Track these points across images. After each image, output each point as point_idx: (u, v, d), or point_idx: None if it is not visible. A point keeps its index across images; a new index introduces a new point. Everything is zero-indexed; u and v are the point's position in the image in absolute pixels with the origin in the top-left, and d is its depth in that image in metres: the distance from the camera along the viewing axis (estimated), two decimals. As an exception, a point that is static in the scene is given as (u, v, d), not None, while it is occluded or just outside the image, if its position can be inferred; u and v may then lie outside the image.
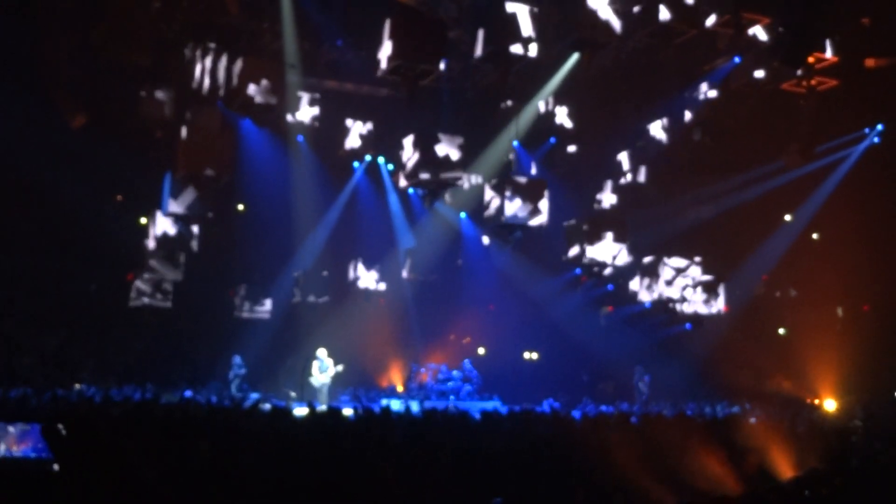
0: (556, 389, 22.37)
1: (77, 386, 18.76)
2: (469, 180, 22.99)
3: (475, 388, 21.72)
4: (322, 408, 12.21)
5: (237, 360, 21.09)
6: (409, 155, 19.54)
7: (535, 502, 6.46)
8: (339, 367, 19.97)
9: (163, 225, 20.13)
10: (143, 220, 20.96)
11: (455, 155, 18.78)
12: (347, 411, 10.99)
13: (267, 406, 13.04)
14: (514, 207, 18.99)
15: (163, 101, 19.08)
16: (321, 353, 20.17)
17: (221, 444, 6.69)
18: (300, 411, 12.21)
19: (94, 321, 21.48)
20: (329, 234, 23.95)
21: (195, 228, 20.07)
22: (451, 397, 21.16)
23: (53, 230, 20.73)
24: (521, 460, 7.31)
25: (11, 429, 7.84)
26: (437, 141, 18.27)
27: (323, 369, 20.00)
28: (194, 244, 20.35)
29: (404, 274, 24.29)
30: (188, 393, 18.50)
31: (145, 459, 5.07)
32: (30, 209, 20.37)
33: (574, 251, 21.63)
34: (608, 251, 21.42)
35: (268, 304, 23.27)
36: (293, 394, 20.69)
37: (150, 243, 20.51)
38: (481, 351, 25.24)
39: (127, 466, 5.00)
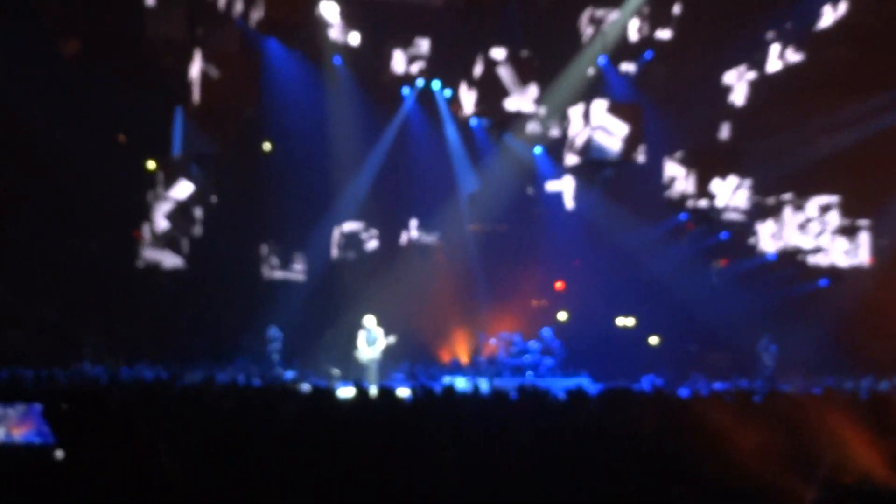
0: (657, 363, 22.51)
1: (81, 365, 19.35)
2: (545, 107, 23.08)
3: (557, 363, 21.97)
4: (371, 388, 12.56)
5: (274, 332, 21.68)
6: (472, 78, 19.80)
7: (632, 502, 6.45)
8: (391, 339, 20.14)
9: (174, 170, 20.75)
10: (151, 165, 21.45)
11: (528, 76, 18.83)
12: (402, 392, 11.32)
13: (305, 387, 13.42)
14: (602, 139, 18.91)
15: (172, 19, 19.46)
16: (368, 321, 20.22)
17: (251, 433, 6.84)
18: (344, 393, 12.65)
19: (97, 287, 21.99)
20: (374, 177, 24.35)
21: (213, 173, 20.77)
22: (528, 374, 21.39)
23: (44, 180, 21.02)
24: (616, 450, 7.32)
25: (11, 411, 8.26)
26: (505, 60, 18.22)
27: (371, 341, 20.15)
28: (213, 193, 21.04)
29: (467, 224, 24.81)
30: (209, 372, 18.99)
31: (162, 450, 5.28)
32: (15, 155, 20.60)
33: (678, 192, 22.03)
34: (722, 191, 21.62)
35: (302, 263, 23.90)
36: (336, 371, 21.20)
37: (161, 193, 21.10)
38: (564, 317, 25.54)
39: (141, 457, 5.28)
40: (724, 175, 21.66)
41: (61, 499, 4.81)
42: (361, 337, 20.19)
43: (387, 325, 20.47)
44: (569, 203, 24.60)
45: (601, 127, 19.61)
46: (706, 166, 21.47)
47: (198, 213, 21.45)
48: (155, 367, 19.49)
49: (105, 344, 21.54)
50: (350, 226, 23.97)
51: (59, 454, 5.59)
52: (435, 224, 24.70)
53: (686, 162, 21.87)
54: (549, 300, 25.86)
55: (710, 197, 21.76)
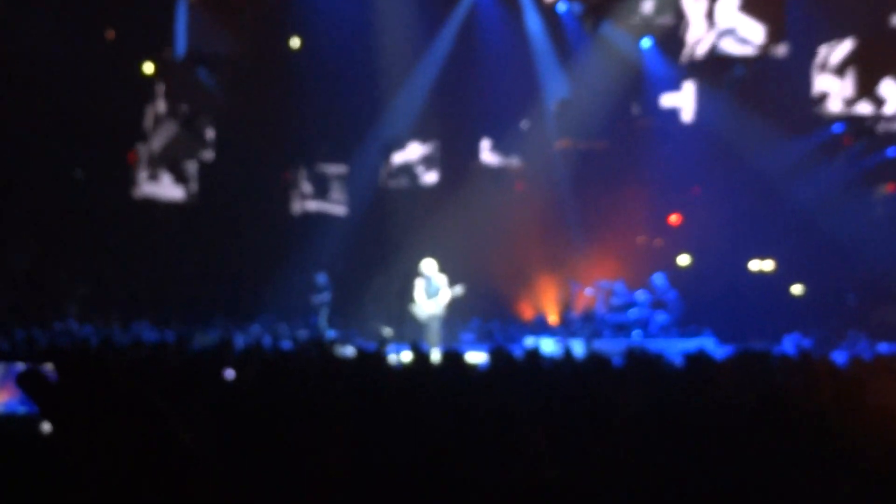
0: (804, 319, 22.49)
1: (65, 323, 19.81)
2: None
3: (673, 319, 22.03)
4: (433, 352, 12.96)
5: (322, 279, 22.24)
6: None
7: (773, 493, 6.34)
8: (458, 290, 20.20)
9: (177, 75, 21.18)
10: (148, 69, 21.93)
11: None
12: (472, 357, 11.57)
13: (347, 350, 13.72)
14: (733, 28, 19.26)
15: None
16: (428, 267, 20.40)
17: (280, 409, 6.94)
18: (399, 357, 12.88)
19: (83, 226, 22.39)
20: (434, 83, 24.58)
21: (227, 79, 21.24)
22: (636, 333, 21.57)
23: (15, 89, 21.24)
24: (751, 429, 7.25)
25: None
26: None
27: (432, 292, 20.34)
28: (226, 104, 21.55)
29: (554, 142, 24.91)
30: (225, 332, 19.36)
31: (172, 425, 5.44)
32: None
33: (832, 96, 21.79)
34: (892, 95, 21.45)
35: (342, 193, 24.66)
36: (387, 331, 21.73)
37: (160, 104, 21.56)
38: (682, 260, 25.81)
39: (148, 435, 5.51)
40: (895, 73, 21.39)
41: (51, 479, 5.06)
42: (419, 287, 20.37)
43: (452, 272, 20.58)
44: (687, 113, 24.46)
45: (730, 31, 19.30)
46: (871, 62, 21.35)
47: (208, 130, 22.10)
48: (157, 326, 20.15)
49: (95, 297, 22.25)
50: (403, 146, 24.53)
51: (46, 427, 5.86)
52: (513, 143, 25.02)
53: (844, 58, 21.88)
54: (661, 238, 26.26)
55: (876, 102, 21.66)
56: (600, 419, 7.38)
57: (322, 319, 21.92)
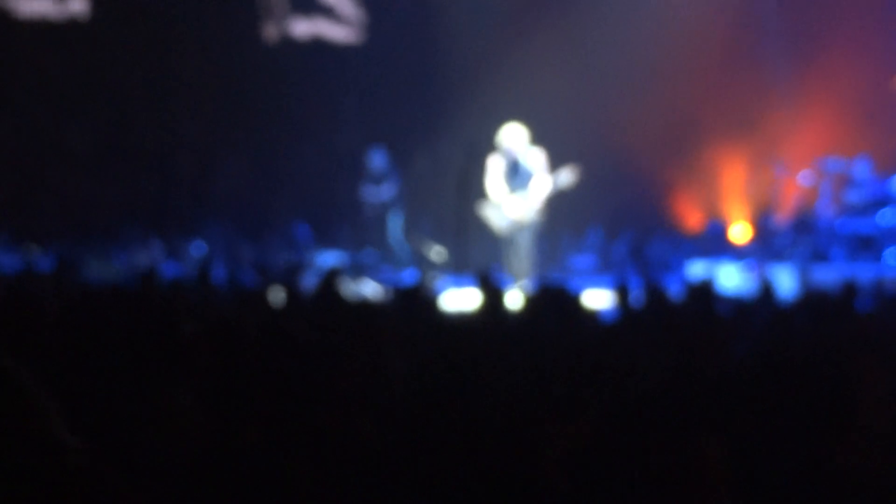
0: None
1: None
2: None
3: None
4: (518, 287, 15.29)
5: (379, 160, 22.67)
6: None
7: None
8: (565, 177, 19.05)
9: None
10: None
11: None
12: (593, 297, 12.71)
13: (368, 289, 16.01)
14: None
15: None
16: (512, 137, 19.22)
17: (270, 369, 7.25)
18: (458, 299, 14.57)
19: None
20: None
21: None
22: (890, 251, 20.58)
23: None
24: None
25: None
26: None
27: (520, 182, 19.30)
28: None
29: None
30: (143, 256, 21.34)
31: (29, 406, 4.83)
32: None
33: None
34: None
35: (351, 3, 25.31)
36: (437, 250, 22.63)
37: None
38: None
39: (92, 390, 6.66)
40: None
41: None
42: (496, 172, 19.47)
43: (555, 148, 19.72)
44: None
45: None
46: None
47: None
48: (21, 246, 21.34)
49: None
50: None
51: None
52: None
53: None
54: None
55: None
56: (837, 421, 6.63)
57: (393, 231, 22.54)
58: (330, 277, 13.19)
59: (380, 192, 22.66)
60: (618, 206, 23.44)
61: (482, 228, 19.74)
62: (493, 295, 10.95)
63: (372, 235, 23.02)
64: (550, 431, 6.38)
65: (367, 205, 22.81)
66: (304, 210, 24.76)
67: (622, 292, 10.97)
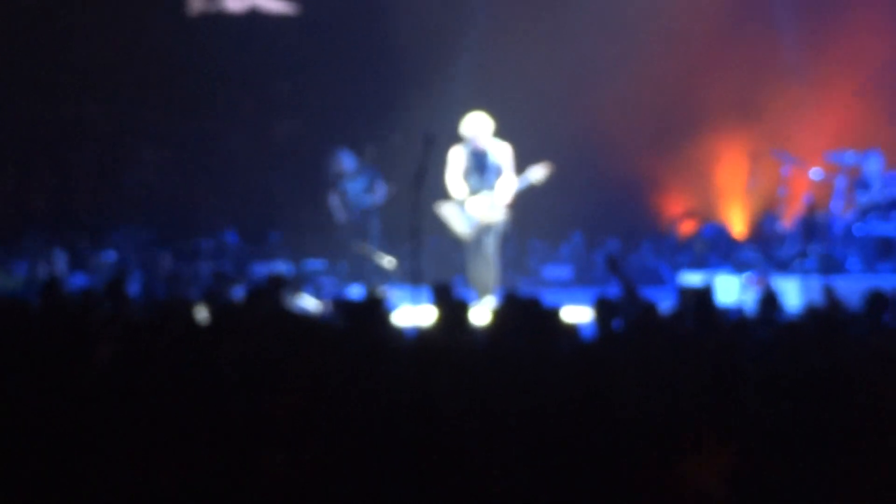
0: None
1: None
2: None
3: None
4: (483, 301, 16.07)
5: (348, 161, 22.91)
6: None
7: None
8: (537, 173, 18.95)
9: None
10: None
11: None
12: (570, 312, 11.87)
13: (306, 304, 15.93)
14: None
15: None
16: (474, 127, 19.03)
17: (176, 405, 7.55)
18: (410, 315, 14.88)
19: None
20: None
21: None
22: None
23: None
24: None
25: None
26: None
27: (483, 181, 19.14)
28: None
29: None
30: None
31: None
32: None
33: None
34: None
35: None
36: (387, 260, 22.28)
37: None
38: None
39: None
40: None
41: None
42: (456, 166, 19.36)
43: (526, 140, 19.83)
44: None
45: None
46: None
47: None
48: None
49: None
50: None
51: None
52: None
53: None
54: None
55: None
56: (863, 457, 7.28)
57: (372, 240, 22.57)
58: (267, 289, 13.06)
59: (364, 199, 22.51)
60: (598, 207, 23.54)
61: (441, 232, 19.87)
62: (454, 310, 10.93)
63: (325, 244, 23.01)
64: (524, 471, 6.66)
65: (343, 212, 22.60)
66: (234, 212, 24.63)
67: (603, 307, 10.94)
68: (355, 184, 22.77)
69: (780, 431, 7.42)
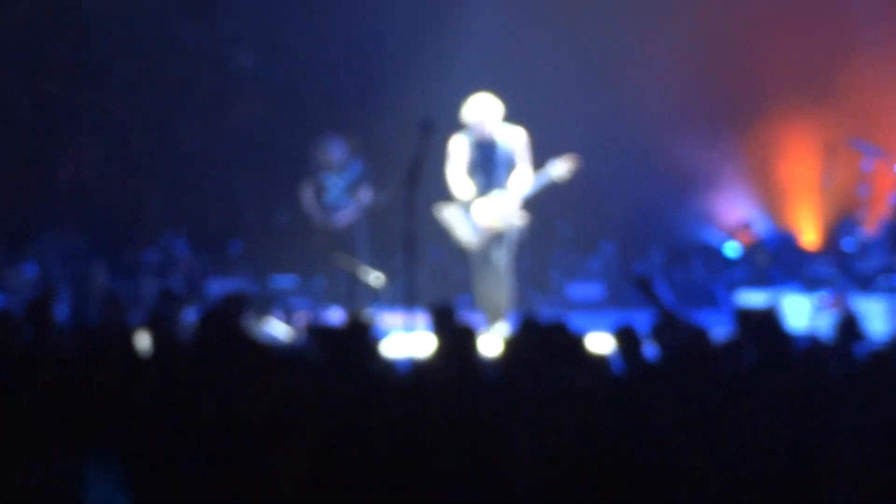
0: None
1: None
2: None
3: None
4: (493, 329, 16.22)
5: (339, 149, 22.06)
6: None
7: None
8: (559, 169, 18.44)
9: None
10: None
11: None
12: (598, 342, 11.98)
13: (275, 331, 16.68)
14: None
15: None
16: (478, 112, 18.55)
17: (113, 447, 8.02)
18: (404, 344, 14.95)
19: None
20: None
21: None
22: None
23: None
24: None
25: None
26: None
27: (493, 179, 18.71)
28: None
29: None
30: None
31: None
32: None
33: None
34: None
35: None
36: (374, 276, 21.57)
37: None
38: None
39: None
40: None
41: None
42: (459, 158, 18.75)
43: (544, 128, 19.10)
44: None
45: None
46: None
47: None
48: None
49: None
50: None
51: None
52: None
53: None
54: None
55: None
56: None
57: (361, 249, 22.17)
58: (225, 312, 12.76)
59: (344, 200, 21.67)
60: (636, 212, 23.43)
61: (441, 241, 19.63)
62: (458, 338, 10.61)
63: (297, 256, 22.85)
64: None
65: (316, 210, 21.86)
66: (185, 216, 24.34)
67: (625, 338, 10.51)
68: (339, 179, 21.80)
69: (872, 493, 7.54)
